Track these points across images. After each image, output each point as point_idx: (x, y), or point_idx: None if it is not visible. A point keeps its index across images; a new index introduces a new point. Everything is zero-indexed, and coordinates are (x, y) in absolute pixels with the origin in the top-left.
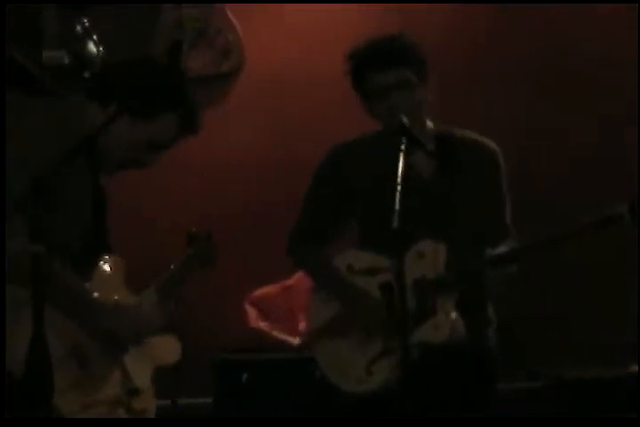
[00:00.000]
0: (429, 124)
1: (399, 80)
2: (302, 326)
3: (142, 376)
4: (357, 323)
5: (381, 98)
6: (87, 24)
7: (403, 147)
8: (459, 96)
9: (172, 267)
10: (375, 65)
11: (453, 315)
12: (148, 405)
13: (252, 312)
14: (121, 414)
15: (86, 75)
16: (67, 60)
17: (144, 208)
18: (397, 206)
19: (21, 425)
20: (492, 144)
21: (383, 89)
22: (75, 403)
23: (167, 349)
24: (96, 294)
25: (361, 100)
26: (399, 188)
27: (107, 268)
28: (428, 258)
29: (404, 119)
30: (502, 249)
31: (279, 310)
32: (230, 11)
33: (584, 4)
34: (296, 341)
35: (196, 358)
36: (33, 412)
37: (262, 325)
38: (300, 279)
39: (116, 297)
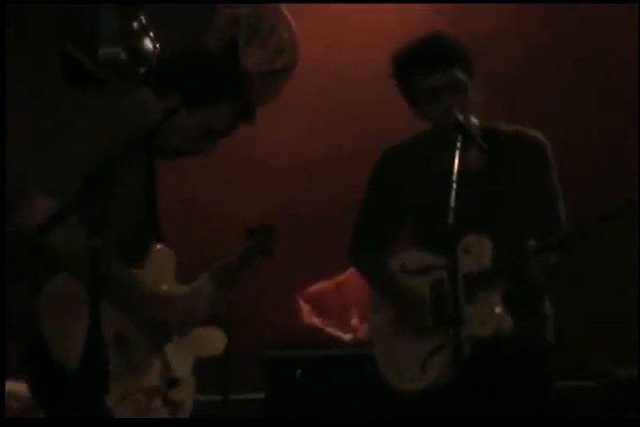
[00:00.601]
0: (474, 120)
1: (449, 81)
2: (354, 322)
3: (183, 367)
4: (410, 323)
5: (433, 100)
6: (144, 21)
7: (459, 144)
8: (502, 95)
9: (228, 257)
10: (423, 68)
11: (499, 309)
12: (186, 397)
13: (305, 308)
14: (158, 404)
15: (142, 70)
16: (123, 56)
17: (197, 200)
18: (452, 203)
19: (22, 425)
20: (538, 136)
21: (434, 91)
22: (114, 392)
23: (211, 341)
24: (145, 284)
25: (408, 102)
26: (454, 185)
27: (157, 258)
28: (473, 253)
29: (460, 117)
30: (553, 238)
31: (332, 306)
32: (284, 8)
33: (617, 5)
34: (348, 337)
35: (250, 354)
36: (88, 405)
37: (316, 321)
38: (352, 275)
39: (165, 287)
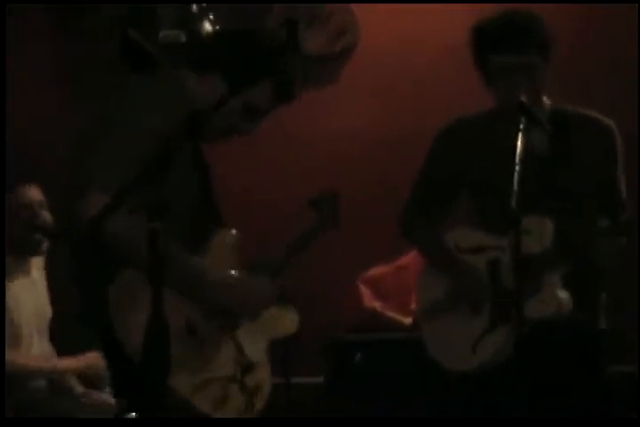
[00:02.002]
0: (546, 100)
1: (524, 63)
2: (414, 305)
3: (257, 350)
4: (465, 300)
5: (502, 76)
6: (204, 4)
7: (522, 126)
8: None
9: (296, 236)
10: (501, 44)
11: (560, 291)
12: (263, 380)
13: (366, 292)
14: (235, 391)
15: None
16: (183, 39)
17: (251, 181)
18: (516, 186)
19: (21, 425)
20: (607, 120)
21: (506, 69)
22: (189, 383)
23: (284, 320)
24: (208, 269)
25: (479, 70)
26: (517, 168)
27: (221, 242)
28: (534, 234)
29: (524, 98)
30: (615, 221)
31: (392, 289)
32: None
33: None
34: (408, 320)
35: (310, 338)
36: (150, 395)
37: (376, 305)
38: (413, 259)
39: (232, 271)
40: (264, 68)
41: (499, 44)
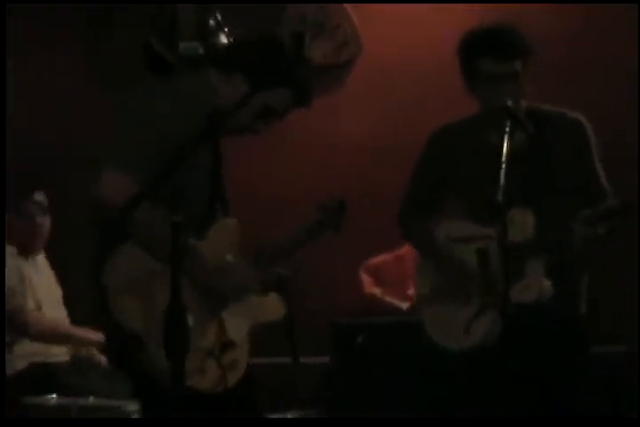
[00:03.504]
0: (523, 103)
1: (509, 72)
2: (411, 291)
3: (238, 331)
4: (456, 287)
5: (488, 83)
6: (219, 18)
7: (507, 129)
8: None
9: (294, 231)
10: (489, 55)
11: (543, 278)
12: (239, 359)
13: (366, 279)
14: (211, 365)
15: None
16: (201, 51)
17: (259, 177)
18: (502, 182)
19: (21, 425)
20: (578, 115)
21: (492, 77)
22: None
23: (270, 308)
24: (205, 253)
25: (466, 80)
26: (504, 166)
27: (223, 230)
28: (517, 224)
29: (510, 103)
30: (593, 212)
31: (391, 277)
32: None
33: None
34: (405, 305)
35: (317, 321)
36: (171, 367)
37: (376, 291)
38: (410, 249)
39: (228, 257)
40: (285, 74)
41: (486, 53)
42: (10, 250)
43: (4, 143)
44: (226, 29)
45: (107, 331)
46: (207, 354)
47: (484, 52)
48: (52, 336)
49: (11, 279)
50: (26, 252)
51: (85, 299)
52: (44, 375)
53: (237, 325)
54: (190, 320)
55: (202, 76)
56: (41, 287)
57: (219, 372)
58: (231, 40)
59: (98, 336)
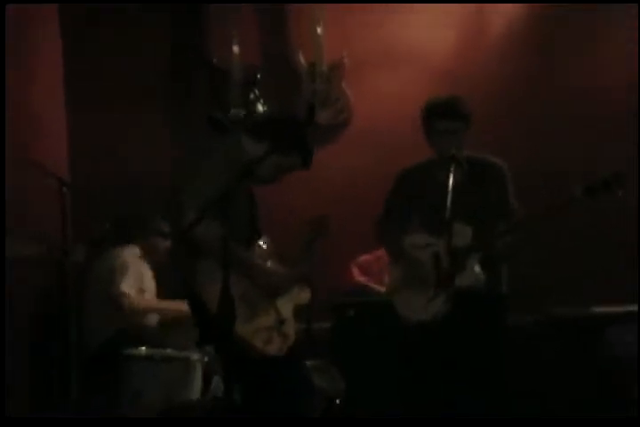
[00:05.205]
0: (464, 152)
1: (454, 128)
2: (387, 280)
3: (287, 311)
4: (417, 279)
5: (440, 137)
6: (257, 93)
7: (452, 169)
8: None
9: (304, 245)
10: (440, 116)
11: (477, 269)
12: (290, 330)
13: (356, 271)
14: (275, 336)
15: (252, 123)
16: (242, 115)
17: (289, 204)
18: (448, 205)
19: (21, 425)
20: (500, 162)
21: (442, 132)
22: (248, 330)
23: (303, 294)
24: (257, 263)
25: (425, 135)
26: (449, 195)
27: (262, 245)
28: (460, 234)
29: (454, 151)
30: (507, 225)
31: (373, 269)
32: (345, 82)
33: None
34: (383, 289)
35: (324, 300)
36: (223, 337)
37: (362, 279)
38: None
39: (269, 263)
40: (296, 140)
41: (440, 114)
42: (134, 251)
43: (4, 143)
44: (261, 100)
45: (191, 306)
46: (271, 329)
47: (437, 114)
48: (146, 312)
49: (128, 269)
50: (146, 257)
51: (179, 286)
52: (139, 334)
53: (286, 307)
54: (248, 305)
55: (240, 143)
56: (148, 278)
57: (280, 340)
58: (265, 108)
59: (184, 308)
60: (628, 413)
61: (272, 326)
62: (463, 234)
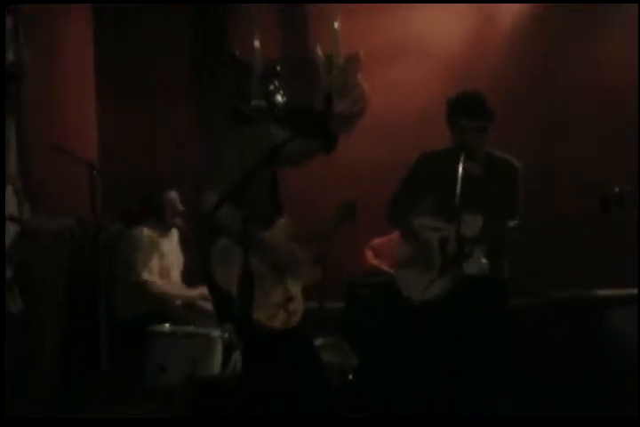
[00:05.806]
0: (485, 149)
1: (478, 126)
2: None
3: (296, 289)
4: (423, 259)
5: (463, 132)
6: (277, 84)
7: (462, 160)
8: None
9: (328, 227)
10: (466, 114)
11: (483, 260)
12: (299, 307)
13: (369, 254)
14: (281, 313)
15: (276, 113)
16: (264, 106)
17: (308, 189)
18: (458, 190)
19: (21, 425)
20: (515, 161)
21: (467, 129)
22: (256, 305)
23: (313, 273)
24: (272, 242)
25: (449, 127)
26: (459, 181)
27: (281, 225)
28: (469, 224)
29: (468, 147)
30: (514, 222)
31: (386, 252)
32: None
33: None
34: (393, 271)
35: (339, 280)
36: (242, 313)
37: (375, 262)
38: (397, 235)
39: (286, 242)
40: (317, 127)
41: (465, 111)
42: (147, 232)
43: (4, 143)
44: (281, 91)
45: (209, 287)
46: (278, 305)
47: (461, 111)
48: (165, 299)
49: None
50: (163, 234)
51: (198, 266)
52: (163, 312)
53: (295, 285)
54: (257, 283)
55: (269, 130)
56: (172, 255)
57: (285, 316)
58: (284, 99)
59: (204, 293)
60: (627, 395)
61: (279, 303)
62: (473, 224)
